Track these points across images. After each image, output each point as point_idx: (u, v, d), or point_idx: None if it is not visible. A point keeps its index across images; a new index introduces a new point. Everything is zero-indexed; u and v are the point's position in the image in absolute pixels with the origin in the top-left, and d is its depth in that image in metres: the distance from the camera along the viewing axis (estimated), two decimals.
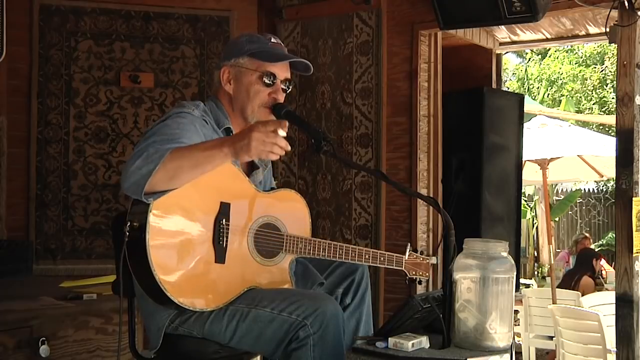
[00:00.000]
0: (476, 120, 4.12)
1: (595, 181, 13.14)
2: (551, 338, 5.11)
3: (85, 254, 4.12)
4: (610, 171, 7.73)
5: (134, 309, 2.31)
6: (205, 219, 2.08)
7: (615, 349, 3.13)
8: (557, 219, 13.14)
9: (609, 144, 6.42)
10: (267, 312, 2.04)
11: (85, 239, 4.13)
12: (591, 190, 14.12)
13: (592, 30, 4.21)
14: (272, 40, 2.31)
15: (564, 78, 15.73)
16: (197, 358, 2.17)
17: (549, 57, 16.19)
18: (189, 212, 2.06)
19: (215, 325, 2.10)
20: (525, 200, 12.29)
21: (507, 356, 1.93)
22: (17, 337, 2.64)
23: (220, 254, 2.09)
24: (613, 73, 14.38)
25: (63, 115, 4.13)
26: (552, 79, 15.77)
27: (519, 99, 4.57)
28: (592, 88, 15.62)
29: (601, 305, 4.70)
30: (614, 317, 3.11)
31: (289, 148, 2.04)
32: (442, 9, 3.61)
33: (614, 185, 4.01)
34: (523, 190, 9.03)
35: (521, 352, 5.59)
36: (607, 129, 12.55)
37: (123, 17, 4.21)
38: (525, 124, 4.77)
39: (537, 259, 12.89)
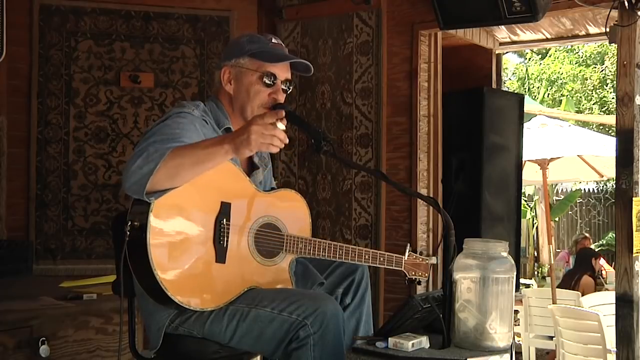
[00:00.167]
0: (476, 120, 4.12)
1: (595, 181, 13.14)
2: (551, 338, 5.11)
3: (85, 254, 4.12)
4: (610, 171, 7.73)
5: (134, 309, 2.31)
6: (205, 219, 2.08)
7: (615, 349, 3.13)
8: (557, 219, 13.14)
9: (609, 144, 6.42)
10: (268, 312, 2.05)
11: (85, 239, 4.13)
12: (591, 190, 14.12)
13: (592, 30, 4.21)
14: (273, 40, 2.31)
15: (564, 78, 15.73)
16: (197, 358, 2.17)
17: (549, 57, 16.20)
18: (190, 211, 2.06)
19: (215, 325, 2.10)
20: (525, 200, 12.29)
21: (507, 356, 1.93)
22: (17, 337, 2.64)
23: (220, 254, 2.09)
24: (613, 73, 14.38)
25: (63, 115, 4.13)
26: (552, 79, 15.78)
27: (519, 99, 4.57)
28: (592, 88, 15.63)
29: (601, 305, 4.70)
30: (614, 317, 3.11)
31: (287, 140, 2.05)
32: (442, 9, 3.61)
33: (614, 185, 4.01)
34: (523, 190, 9.02)
35: (521, 352, 5.59)
36: (607, 129, 12.55)
37: (123, 17, 4.21)
38: (525, 124, 4.76)
39: (537, 259, 12.89)
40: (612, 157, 3.29)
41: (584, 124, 11.88)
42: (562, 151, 6.91)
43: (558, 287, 6.04)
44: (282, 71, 2.28)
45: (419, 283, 2.43)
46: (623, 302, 3.05)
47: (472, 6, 3.51)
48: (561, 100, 14.49)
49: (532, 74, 16.30)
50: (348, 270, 2.39)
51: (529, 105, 8.05)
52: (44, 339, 2.68)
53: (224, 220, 2.10)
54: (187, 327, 2.13)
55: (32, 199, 4.07)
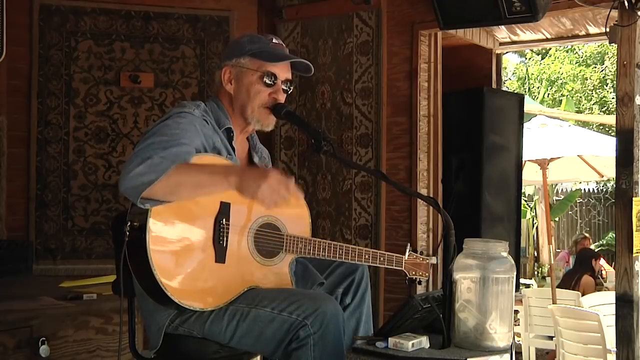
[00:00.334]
0: (476, 120, 4.12)
1: (595, 181, 13.14)
2: (551, 338, 5.11)
3: (85, 254, 4.12)
4: (610, 171, 7.73)
5: (134, 309, 2.31)
6: (205, 219, 2.08)
7: (615, 349, 3.13)
8: (557, 219, 13.14)
9: (609, 144, 6.42)
10: (268, 312, 2.04)
11: (85, 239, 4.13)
12: (591, 190, 14.12)
13: (592, 30, 4.21)
14: (274, 40, 2.31)
15: (564, 78, 15.73)
16: (197, 358, 2.17)
17: (549, 57, 16.20)
18: (189, 212, 2.06)
19: (215, 325, 2.10)
20: (525, 200, 12.29)
21: (507, 356, 1.93)
22: (17, 337, 2.64)
23: (220, 254, 2.09)
24: (613, 73, 14.39)
25: (63, 115, 4.13)
26: (552, 79, 15.78)
27: (519, 99, 4.57)
28: (592, 88, 15.63)
29: (601, 305, 4.70)
30: (614, 317, 3.11)
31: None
32: (442, 9, 3.61)
33: (614, 185, 4.01)
34: (523, 190, 9.02)
35: (521, 352, 5.59)
36: (607, 129, 12.55)
37: (123, 17, 4.21)
38: (525, 124, 4.77)
39: (537, 259, 12.89)
40: (612, 157, 3.29)
41: (584, 124, 11.88)
42: (562, 151, 6.91)
43: (558, 287, 6.04)
44: (283, 71, 2.28)
45: (420, 283, 2.43)
46: (623, 302, 3.05)
47: (472, 6, 3.51)
48: (561, 100, 14.49)
49: (532, 74, 16.30)
50: (348, 270, 2.39)
51: (529, 105, 8.05)
52: (44, 339, 2.68)
53: (224, 220, 2.10)
54: (187, 327, 2.13)
55: (32, 199, 4.07)
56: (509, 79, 16.55)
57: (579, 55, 15.94)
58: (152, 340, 2.17)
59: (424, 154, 3.95)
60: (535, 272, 12.47)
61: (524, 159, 4.78)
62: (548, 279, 9.00)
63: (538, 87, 15.81)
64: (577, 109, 14.66)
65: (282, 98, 2.28)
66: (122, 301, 2.17)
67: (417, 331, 2.02)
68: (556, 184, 12.89)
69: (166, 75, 4.26)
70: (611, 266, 7.49)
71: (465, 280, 1.94)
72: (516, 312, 5.54)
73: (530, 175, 7.26)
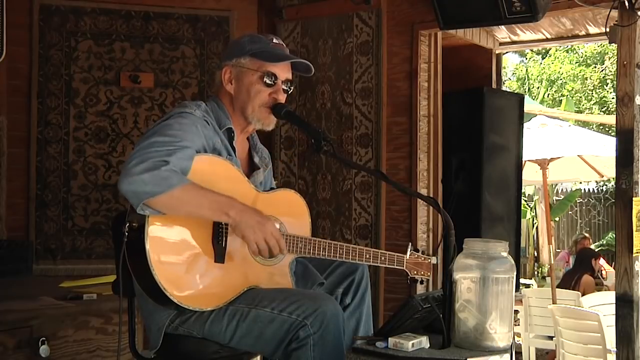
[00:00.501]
0: (476, 120, 4.12)
1: (595, 181, 13.14)
2: (551, 338, 5.11)
3: (85, 254, 4.12)
4: (610, 171, 7.73)
5: (134, 309, 2.31)
6: (204, 219, 2.08)
7: (615, 349, 3.13)
8: (557, 219, 13.14)
9: (609, 144, 6.42)
10: (267, 312, 2.04)
11: (85, 239, 4.13)
12: (591, 190, 14.12)
13: (592, 30, 4.21)
14: (274, 40, 2.31)
15: (564, 78, 15.73)
16: (197, 358, 2.17)
17: (549, 57, 16.20)
18: None
19: (215, 325, 2.10)
20: (525, 200, 12.29)
21: (507, 356, 1.93)
22: (17, 337, 2.64)
23: (219, 254, 2.09)
24: (613, 73, 14.39)
25: (63, 115, 4.13)
26: (552, 79, 15.78)
27: (519, 99, 4.57)
28: (592, 88, 15.63)
29: (601, 305, 4.70)
30: (614, 317, 3.11)
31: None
32: (442, 9, 3.61)
33: (614, 185, 4.01)
34: (523, 190, 9.02)
35: (521, 352, 5.59)
36: (607, 129, 12.55)
37: (123, 17, 4.21)
38: (525, 124, 4.77)
39: (537, 259, 12.89)
40: (612, 157, 3.29)
41: (584, 124, 11.88)
42: (562, 151, 6.90)
43: (558, 287, 6.04)
44: (283, 71, 2.28)
45: (422, 282, 2.43)
46: (623, 302, 3.05)
47: (472, 6, 3.51)
48: (561, 100, 14.48)
49: (532, 74, 16.30)
50: (348, 270, 2.39)
51: (529, 105, 8.05)
52: (44, 339, 2.68)
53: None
54: (187, 327, 2.13)
55: (32, 199, 4.07)
56: (509, 79, 16.55)
57: (579, 55, 15.94)
58: (152, 340, 2.17)
59: (424, 154, 3.95)
60: (535, 272, 12.47)
61: (524, 159, 4.78)
62: (548, 279, 9.00)
63: (538, 87, 15.81)
64: (577, 109, 14.66)
65: (282, 98, 2.28)
66: (120, 301, 2.17)
67: (417, 331, 2.02)
68: (556, 184, 12.89)
69: (166, 75, 4.26)
70: (611, 266, 7.49)
71: (465, 280, 1.94)
72: (516, 312, 5.54)
73: (530, 175, 7.26)
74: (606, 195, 13.75)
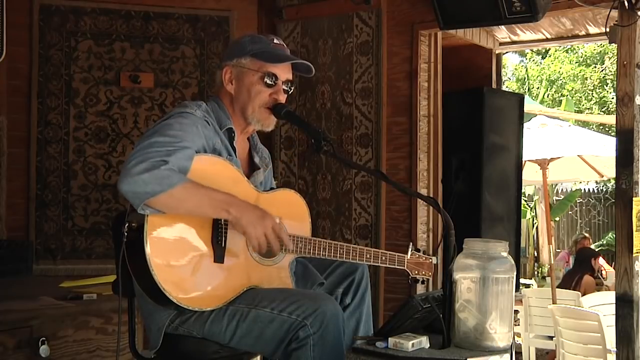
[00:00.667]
0: (476, 120, 4.12)
1: (595, 181, 13.13)
2: (551, 338, 5.11)
3: (85, 254, 4.12)
4: (610, 171, 7.73)
5: (134, 309, 2.30)
6: (203, 219, 2.08)
7: (615, 349, 3.13)
8: (557, 219, 13.14)
9: (609, 144, 6.42)
10: (267, 312, 2.04)
11: (85, 239, 4.13)
12: (591, 190, 14.12)
13: (592, 30, 4.21)
14: (275, 41, 2.31)
15: (564, 78, 15.73)
16: (197, 358, 2.17)
17: (549, 57, 16.20)
18: None
19: (215, 325, 2.10)
20: (525, 200, 12.29)
21: (507, 356, 1.93)
22: (17, 337, 2.64)
23: (219, 254, 2.09)
24: (613, 73, 14.39)
25: (63, 115, 4.13)
26: (552, 79, 15.78)
27: (519, 99, 4.57)
28: (592, 88, 15.63)
29: (601, 305, 4.70)
30: (614, 317, 3.11)
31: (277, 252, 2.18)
32: (442, 9, 3.61)
33: (614, 185, 4.01)
34: (523, 190, 9.02)
35: (521, 352, 5.59)
36: (607, 129, 12.56)
37: (123, 17, 4.21)
38: (525, 124, 4.77)
39: (537, 259, 12.89)
40: (612, 157, 3.29)
41: (584, 124, 11.88)
42: (562, 151, 6.91)
43: (558, 287, 6.04)
44: (284, 72, 2.28)
45: (423, 282, 2.43)
46: (623, 302, 3.05)
47: (472, 6, 3.51)
48: (561, 100, 14.48)
49: (532, 75, 16.29)
50: (348, 270, 2.39)
51: (529, 105, 8.05)
52: (44, 339, 2.68)
53: (222, 220, 2.10)
54: (187, 327, 2.13)
55: (32, 199, 4.07)
56: (509, 79, 16.56)
57: (579, 55, 15.93)
58: (152, 340, 2.17)
59: (424, 154, 3.95)
60: (535, 272, 12.47)
61: (524, 159, 4.78)
62: (548, 279, 9.01)
63: (538, 88, 15.81)
64: (577, 109, 14.66)
65: (282, 98, 2.28)
66: (120, 301, 2.17)
67: (417, 331, 2.02)
68: (556, 184, 12.89)
69: (166, 75, 4.26)
70: (611, 266, 7.49)
71: (465, 280, 1.94)
72: (516, 312, 5.54)
73: (530, 175, 7.26)
74: (606, 195, 13.75)
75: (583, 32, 4.29)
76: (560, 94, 15.50)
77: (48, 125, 4.11)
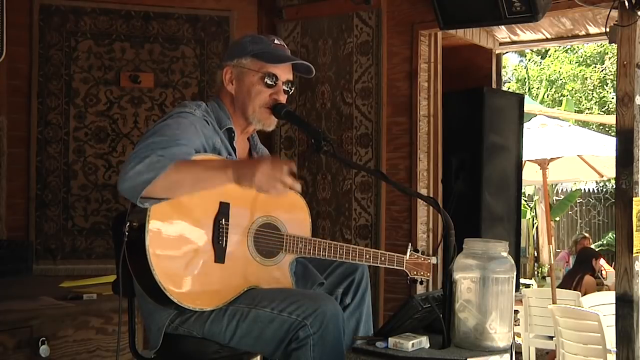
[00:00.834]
0: (476, 120, 4.12)
1: (595, 181, 13.13)
2: (551, 338, 5.11)
3: (85, 254, 4.12)
4: (610, 171, 7.72)
5: (134, 309, 2.31)
6: (204, 219, 2.08)
7: (615, 349, 3.13)
8: (557, 219, 13.14)
9: (609, 144, 6.42)
10: (267, 312, 2.05)
11: (85, 239, 4.13)
12: (591, 190, 14.12)
13: (592, 30, 4.21)
14: (275, 41, 2.31)
15: (564, 78, 15.73)
16: (197, 358, 2.17)
17: (549, 57, 16.20)
18: (188, 212, 2.06)
19: (215, 325, 2.10)
20: (525, 200, 12.29)
21: (507, 356, 1.93)
22: (17, 337, 2.64)
23: (219, 254, 2.09)
24: (613, 73, 14.38)
25: (63, 115, 4.13)
26: (552, 79, 15.78)
27: (519, 99, 4.57)
28: (592, 88, 15.63)
29: (601, 305, 4.70)
30: (614, 317, 3.11)
31: (299, 187, 2.09)
32: (442, 9, 3.61)
33: (614, 185, 4.01)
34: (523, 190, 9.02)
35: (521, 352, 5.59)
36: (607, 129, 12.56)
37: (123, 17, 4.21)
38: (525, 124, 4.77)
39: (537, 259, 12.89)
40: (612, 157, 3.29)
41: (584, 124, 11.88)
42: (562, 151, 6.91)
43: (558, 287, 6.04)
44: (284, 72, 2.28)
45: (422, 283, 2.43)
46: (623, 302, 3.05)
47: (472, 6, 3.51)
48: (561, 100, 14.48)
49: (532, 75, 16.29)
50: (348, 270, 2.39)
51: (529, 105, 8.05)
52: (44, 339, 2.68)
53: (223, 220, 2.10)
54: (187, 327, 2.13)
55: (32, 199, 4.07)
56: (509, 79, 16.56)
57: (579, 55, 15.93)
58: (152, 340, 2.17)
59: (424, 154, 3.95)
60: (535, 272, 12.47)
61: (524, 159, 4.78)
62: (548, 279, 9.01)
63: (538, 88, 15.81)
64: (577, 109, 14.65)
65: (283, 99, 2.28)
66: (120, 301, 2.17)
67: (417, 331, 2.02)
68: (556, 184, 12.89)
69: (166, 75, 4.26)
70: (611, 266, 7.49)
71: (465, 280, 1.94)
72: (516, 312, 5.54)
73: (530, 175, 7.26)
74: (606, 195, 13.75)
75: (583, 32, 4.29)
76: (560, 94, 15.50)
77: (48, 125, 4.11)
